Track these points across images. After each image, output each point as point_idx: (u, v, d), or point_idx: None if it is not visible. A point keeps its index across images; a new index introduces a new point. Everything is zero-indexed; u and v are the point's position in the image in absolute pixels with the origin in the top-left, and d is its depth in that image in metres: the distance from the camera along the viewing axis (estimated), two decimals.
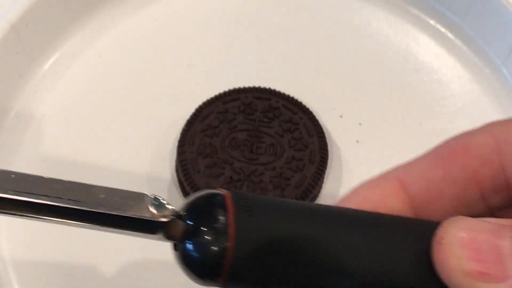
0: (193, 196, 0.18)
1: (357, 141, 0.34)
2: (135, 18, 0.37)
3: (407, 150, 0.33)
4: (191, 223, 0.17)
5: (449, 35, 0.38)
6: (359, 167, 0.33)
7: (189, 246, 0.17)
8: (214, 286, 0.17)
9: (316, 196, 0.31)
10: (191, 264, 0.17)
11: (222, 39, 0.37)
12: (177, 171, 0.31)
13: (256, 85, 0.33)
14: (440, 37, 0.38)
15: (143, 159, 0.33)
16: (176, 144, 0.32)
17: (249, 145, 0.30)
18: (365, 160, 0.33)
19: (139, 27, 0.37)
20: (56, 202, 0.17)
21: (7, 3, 0.33)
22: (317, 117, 0.32)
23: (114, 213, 0.17)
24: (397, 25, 0.39)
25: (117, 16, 0.37)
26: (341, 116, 0.35)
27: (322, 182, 0.31)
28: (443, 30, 0.38)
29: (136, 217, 0.17)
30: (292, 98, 0.32)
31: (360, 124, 0.34)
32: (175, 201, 0.30)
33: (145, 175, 0.32)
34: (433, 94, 0.36)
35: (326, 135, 0.32)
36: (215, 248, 0.16)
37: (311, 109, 0.32)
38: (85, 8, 0.37)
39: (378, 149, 0.34)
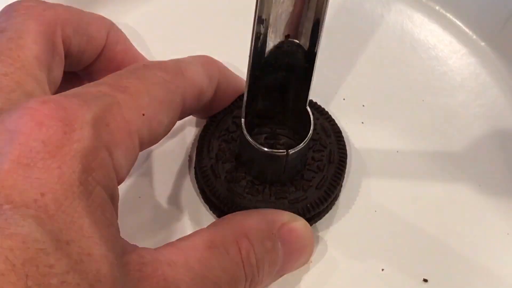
0: None
1: (362, 122, 0.34)
2: (136, 14, 0.38)
3: (413, 127, 0.34)
4: None
5: (442, 11, 0.39)
6: (368, 150, 0.34)
7: None
8: None
9: (337, 195, 0.31)
10: None
11: (231, 41, 0.37)
12: (196, 177, 0.31)
13: None
14: (433, 14, 0.39)
15: (161, 167, 0.33)
16: (193, 150, 0.33)
17: (267, 147, 0.29)
18: (372, 141, 0.34)
19: (142, 26, 0.37)
20: None
21: None
22: (320, 101, 0.33)
23: None
24: (390, 5, 0.39)
25: (121, 10, 0.37)
26: (344, 99, 0.35)
27: (342, 181, 0.31)
28: (436, 7, 0.39)
29: None
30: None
31: (363, 105, 0.35)
32: (196, 208, 0.31)
33: (165, 182, 0.32)
34: (432, 70, 0.36)
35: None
36: None
37: (315, 95, 0.33)
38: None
39: (384, 129, 0.34)
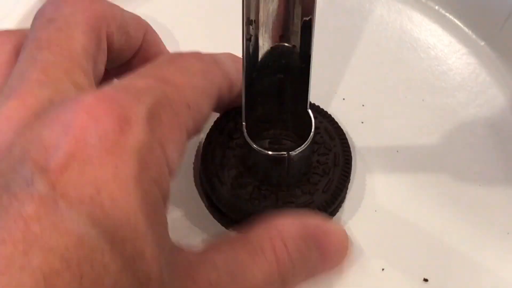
0: None
1: (362, 122, 0.34)
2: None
3: (413, 127, 0.34)
4: None
5: (442, 11, 0.39)
6: (368, 150, 0.33)
7: None
8: None
9: (343, 198, 0.31)
10: None
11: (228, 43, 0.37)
12: (201, 184, 0.31)
13: None
14: (433, 14, 0.39)
15: None
16: (197, 158, 0.32)
17: (272, 152, 0.29)
18: (372, 141, 0.34)
19: None
20: None
21: None
22: (320, 101, 0.33)
23: None
24: (389, 5, 0.39)
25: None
26: (343, 99, 0.35)
27: (348, 183, 0.31)
28: (436, 7, 0.39)
29: None
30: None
31: (363, 105, 0.35)
32: (201, 215, 0.31)
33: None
34: (432, 70, 0.36)
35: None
36: None
37: (315, 95, 0.32)
38: None
39: (385, 129, 0.34)
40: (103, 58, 0.27)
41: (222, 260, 0.24)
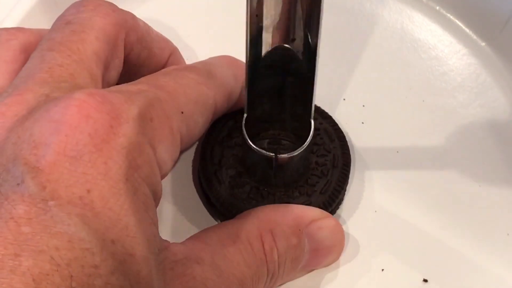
0: None
1: (362, 122, 0.34)
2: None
3: (414, 128, 0.34)
4: None
5: (442, 11, 0.39)
6: (368, 150, 0.33)
7: None
8: None
9: (341, 200, 0.31)
10: None
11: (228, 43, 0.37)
12: (200, 183, 0.31)
13: None
14: (434, 14, 0.39)
15: None
16: (196, 156, 0.32)
17: (270, 152, 0.29)
18: (372, 141, 0.34)
19: None
20: None
21: None
22: (320, 101, 0.33)
23: None
24: (390, 5, 0.39)
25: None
26: (344, 99, 0.35)
27: (347, 185, 0.31)
28: (436, 7, 0.39)
29: None
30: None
31: (363, 106, 0.35)
32: (199, 212, 0.31)
33: (167, 189, 0.32)
34: (432, 70, 0.36)
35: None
36: None
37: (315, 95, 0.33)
38: None
39: (385, 129, 0.34)
40: (117, 65, 0.27)
41: (209, 255, 0.24)
